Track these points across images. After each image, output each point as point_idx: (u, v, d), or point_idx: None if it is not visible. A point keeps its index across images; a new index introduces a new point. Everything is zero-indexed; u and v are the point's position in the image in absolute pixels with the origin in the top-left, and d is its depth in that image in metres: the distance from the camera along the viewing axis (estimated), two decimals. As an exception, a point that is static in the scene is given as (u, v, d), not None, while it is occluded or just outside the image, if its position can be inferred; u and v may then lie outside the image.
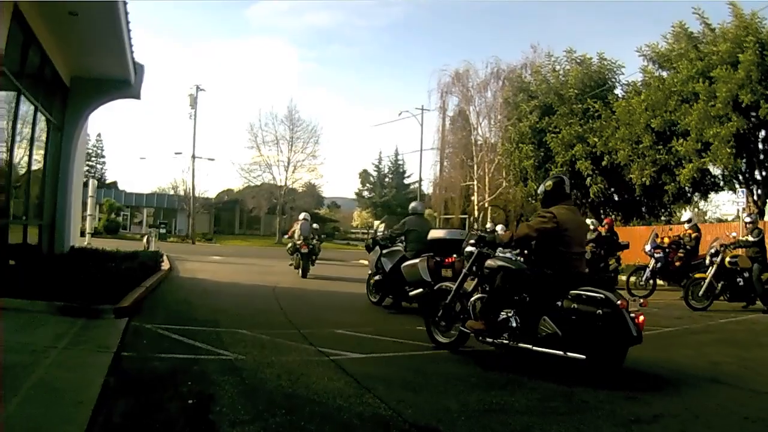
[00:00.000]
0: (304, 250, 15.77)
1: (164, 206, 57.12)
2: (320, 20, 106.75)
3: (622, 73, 27.06)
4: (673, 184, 21.88)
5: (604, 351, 4.91)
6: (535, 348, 5.23)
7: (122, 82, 12.20)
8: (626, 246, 16.81)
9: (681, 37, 22.81)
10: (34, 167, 10.48)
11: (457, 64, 39.25)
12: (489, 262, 5.80)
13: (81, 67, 11.64)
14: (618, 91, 26.65)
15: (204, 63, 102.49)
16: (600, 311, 4.90)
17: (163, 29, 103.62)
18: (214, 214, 59.35)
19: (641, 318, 4.96)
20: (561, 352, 5.03)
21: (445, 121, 40.77)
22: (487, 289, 5.82)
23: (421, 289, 7.75)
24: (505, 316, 5.49)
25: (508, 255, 5.87)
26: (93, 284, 7.41)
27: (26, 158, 9.80)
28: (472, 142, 38.05)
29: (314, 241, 17.27)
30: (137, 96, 12.91)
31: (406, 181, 68.28)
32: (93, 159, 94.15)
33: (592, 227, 16.87)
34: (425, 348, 6.49)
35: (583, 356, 4.88)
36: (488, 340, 5.63)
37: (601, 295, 4.97)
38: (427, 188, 49.59)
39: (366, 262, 12.71)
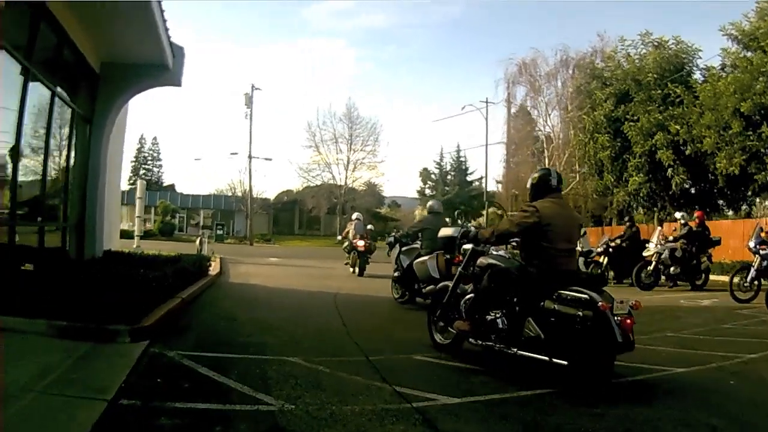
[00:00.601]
0: (361, 248, 15.71)
1: (221, 207, 56.61)
2: (376, 21, 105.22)
3: (700, 57, 25.11)
4: (763, 173, 19.77)
5: (586, 357, 4.47)
6: (519, 352, 4.90)
7: (159, 66, 10.82)
8: (718, 242, 15.17)
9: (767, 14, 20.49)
10: (54, 161, 9.13)
11: (524, 52, 36.22)
12: (480, 260, 5.55)
13: (111, 52, 10.36)
14: (697, 76, 24.54)
15: (261, 64, 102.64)
16: (580, 313, 4.51)
17: (220, 31, 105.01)
18: (272, 215, 58.57)
19: (628, 321, 4.47)
20: (546, 358, 4.66)
21: (511, 112, 38.28)
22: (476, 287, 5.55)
23: (432, 286, 7.25)
24: (493, 317, 5.20)
25: (501, 253, 5.69)
26: (113, 297, 5.93)
27: (42, 151, 8.41)
28: (541, 134, 35.60)
29: (369, 240, 16.79)
30: (178, 83, 11.52)
31: (468, 178, 66.01)
32: (149, 162, 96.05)
33: (682, 221, 15.29)
34: (537, 385, 4.70)
35: (565, 362, 4.50)
36: (478, 342, 5.36)
37: (586, 296, 4.55)
38: (495, 185, 47.35)
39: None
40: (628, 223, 16.78)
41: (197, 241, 22.95)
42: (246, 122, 47.49)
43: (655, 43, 25.70)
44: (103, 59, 10.49)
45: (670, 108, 22.92)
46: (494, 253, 5.60)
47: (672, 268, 14.30)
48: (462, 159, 67.23)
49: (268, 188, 52.91)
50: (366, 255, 16.00)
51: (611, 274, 15.49)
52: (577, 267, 5.65)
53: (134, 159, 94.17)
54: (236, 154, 48.97)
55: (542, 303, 4.81)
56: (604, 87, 26.71)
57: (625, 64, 26.41)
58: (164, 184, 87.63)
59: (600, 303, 4.43)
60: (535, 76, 34.83)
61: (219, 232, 45.74)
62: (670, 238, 15.00)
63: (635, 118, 23.84)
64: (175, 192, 60.76)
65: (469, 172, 66.72)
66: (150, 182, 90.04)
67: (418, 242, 10.29)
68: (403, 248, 10.54)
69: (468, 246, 5.87)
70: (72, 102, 9.72)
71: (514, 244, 5.61)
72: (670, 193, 23.75)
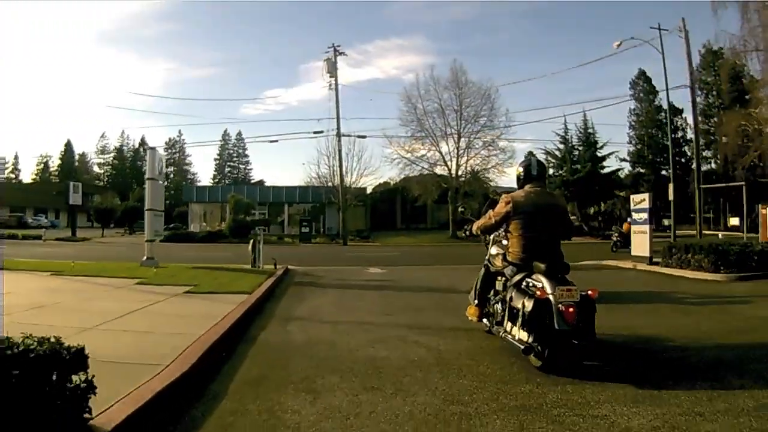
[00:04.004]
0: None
1: (309, 201, 47.24)
2: (459, 12, 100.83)
3: None
4: None
5: (535, 342, 4.48)
6: (501, 333, 5.10)
7: None
8: None
9: None
10: None
11: None
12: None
13: None
14: None
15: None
16: (525, 301, 4.64)
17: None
18: (369, 206, 48.66)
19: (570, 310, 4.37)
20: (512, 340, 4.80)
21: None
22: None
23: None
24: (493, 302, 5.51)
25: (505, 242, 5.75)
26: None
27: None
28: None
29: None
30: None
31: (599, 153, 53.40)
32: (235, 159, 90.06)
33: None
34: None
35: (521, 346, 4.59)
36: (485, 323, 5.68)
37: (540, 284, 4.62)
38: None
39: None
40: None
41: (249, 245, 14.16)
42: (330, 95, 38.06)
43: None
44: None
45: None
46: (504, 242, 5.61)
47: None
48: (590, 131, 54.62)
49: (363, 175, 41.67)
50: None
51: None
52: (558, 254, 5.05)
53: (218, 156, 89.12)
54: (321, 132, 38.61)
55: (507, 290, 5.08)
56: None
57: None
58: (252, 181, 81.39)
59: (537, 291, 4.52)
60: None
61: (304, 229, 36.35)
62: None
63: None
64: (253, 185, 52.15)
65: (598, 146, 53.99)
66: (236, 179, 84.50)
67: None
68: None
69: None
70: None
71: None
72: None
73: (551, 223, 5.13)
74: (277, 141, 38.17)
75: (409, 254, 22.99)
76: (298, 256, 20.37)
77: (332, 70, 38.28)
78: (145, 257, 13.91)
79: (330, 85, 38.39)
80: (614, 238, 22.61)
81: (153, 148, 14.45)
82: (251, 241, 14.13)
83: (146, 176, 14.47)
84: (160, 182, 14.82)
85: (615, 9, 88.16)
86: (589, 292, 4.50)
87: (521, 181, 5.36)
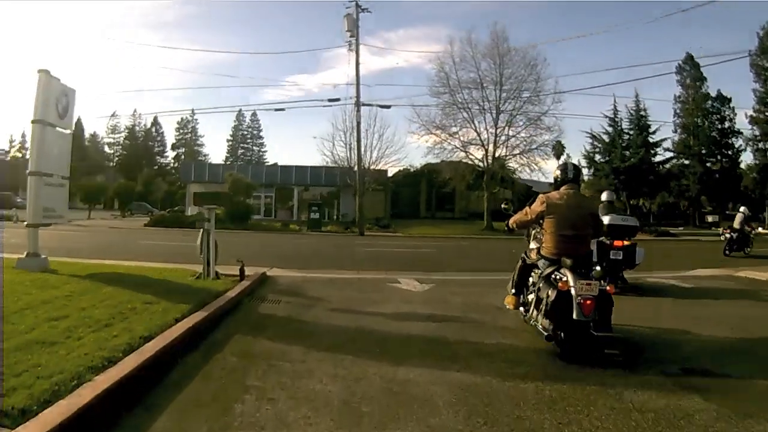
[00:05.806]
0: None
1: (322, 183, 41.28)
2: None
3: None
4: None
5: (556, 331, 4.65)
6: (531, 322, 5.29)
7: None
8: None
9: None
10: None
11: None
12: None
13: None
14: None
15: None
16: (549, 292, 4.81)
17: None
18: (390, 191, 42.62)
19: (588, 303, 4.50)
20: (541, 329, 4.91)
21: None
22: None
23: None
24: (528, 292, 5.59)
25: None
26: None
27: None
28: None
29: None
30: None
31: (651, 139, 46.75)
32: (249, 141, 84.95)
33: None
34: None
35: (545, 333, 4.77)
36: (520, 309, 5.78)
37: (565, 277, 4.77)
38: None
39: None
40: None
41: (198, 238, 8.67)
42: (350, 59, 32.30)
43: None
44: None
45: None
46: (540, 237, 5.70)
47: None
48: (642, 113, 47.73)
49: (384, 155, 35.68)
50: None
51: None
52: (585, 251, 5.27)
53: (231, 137, 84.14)
54: (337, 100, 32.73)
55: (536, 282, 5.31)
56: None
57: None
58: (267, 164, 76.40)
59: (560, 284, 4.68)
60: None
61: (314, 215, 30.76)
62: None
63: None
64: (262, 166, 46.54)
65: (651, 129, 47.18)
66: (249, 162, 79.30)
67: None
68: None
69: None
70: None
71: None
72: None
73: (582, 223, 5.33)
74: (284, 110, 33.20)
75: (449, 251, 17.12)
76: (295, 252, 14.91)
77: (353, 27, 32.29)
78: (25, 253, 8.30)
79: (350, 45, 32.50)
80: (727, 236, 16.80)
81: (46, 71, 8.60)
82: (200, 233, 8.36)
83: (32, 117, 8.65)
84: (60, 130, 9.01)
85: None
86: (608, 288, 4.64)
87: (557, 183, 5.57)
